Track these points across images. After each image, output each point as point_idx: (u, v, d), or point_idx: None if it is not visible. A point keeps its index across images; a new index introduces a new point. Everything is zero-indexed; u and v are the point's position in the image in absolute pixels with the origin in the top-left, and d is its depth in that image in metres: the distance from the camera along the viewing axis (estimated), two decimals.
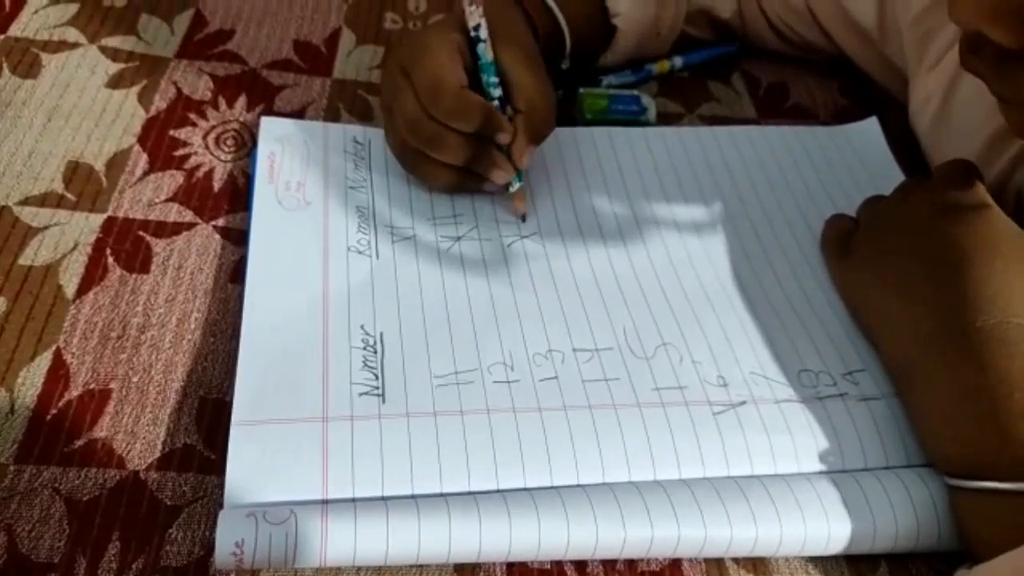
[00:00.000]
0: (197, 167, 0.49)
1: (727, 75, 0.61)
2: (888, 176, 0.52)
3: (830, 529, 0.35)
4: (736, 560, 0.36)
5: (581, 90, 0.56)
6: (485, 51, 0.45)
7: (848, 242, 0.45)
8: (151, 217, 0.46)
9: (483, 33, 0.45)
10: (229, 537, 0.32)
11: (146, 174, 0.48)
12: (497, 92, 0.46)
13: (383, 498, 0.34)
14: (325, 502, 0.34)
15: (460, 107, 0.43)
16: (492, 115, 0.44)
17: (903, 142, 0.54)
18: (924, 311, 0.38)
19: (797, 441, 0.38)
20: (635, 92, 0.56)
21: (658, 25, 0.57)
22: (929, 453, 0.38)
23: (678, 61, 0.60)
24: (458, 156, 0.45)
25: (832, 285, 0.45)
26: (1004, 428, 0.34)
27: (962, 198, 0.40)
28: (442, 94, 0.43)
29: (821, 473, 0.37)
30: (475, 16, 0.45)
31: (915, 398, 0.38)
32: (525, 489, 0.35)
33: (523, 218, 0.48)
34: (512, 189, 0.47)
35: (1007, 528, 0.33)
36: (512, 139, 0.45)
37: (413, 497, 0.35)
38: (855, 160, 0.53)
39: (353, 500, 0.34)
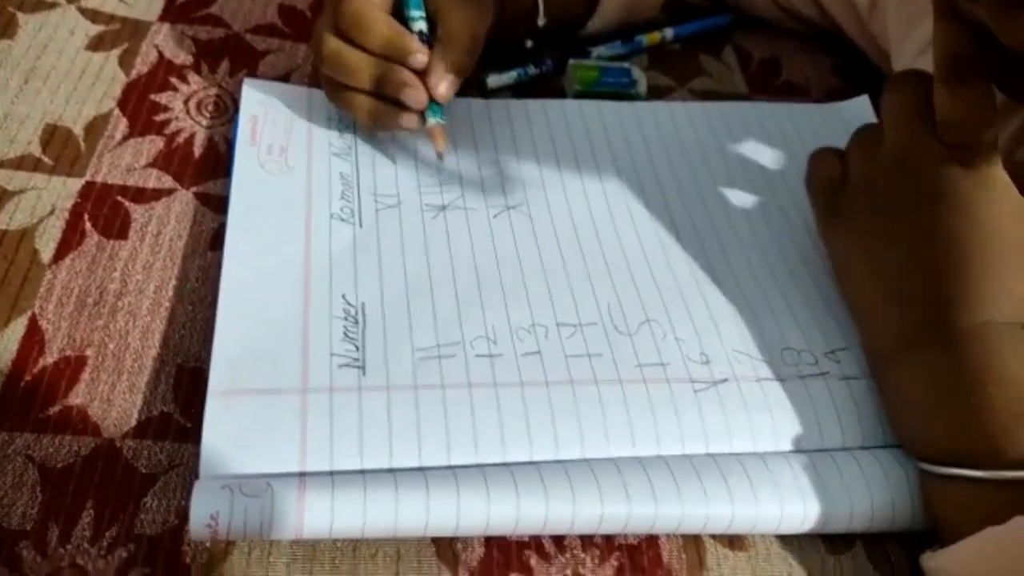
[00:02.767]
0: (178, 132, 0.48)
1: (719, 49, 0.61)
2: None
3: (806, 508, 0.35)
4: (713, 535, 0.36)
5: (571, 61, 0.55)
6: None
7: (837, 197, 0.42)
8: (130, 183, 0.45)
9: None
10: (204, 509, 0.31)
11: (126, 139, 0.47)
12: (419, 26, 0.44)
13: (362, 471, 0.34)
14: (303, 474, 0.34)
15: (361, 19, 0.42)
16: (399, 34, 0.42)
17: None
18: (911, 302, 0.37)
19: (776, 420, 0.38)
20: (626, 64, 0.56)
21: None
22: (901, 436, 0.38)
23: (669, 33, 0.59)
24: (362, 78, 0.43)
25: (819, 259, 0.45)
26: (976, 420, 0.34)
27: (970, 174, 0.36)
28: (344, 4, 0.42)
29: (799, 452, 0.37)
30: None
31: (891, 383, 0.38)
32: (504, 464, 0.35)
33: (440, 156, 0.46)
34: (428, 123, 0.44)
35: (973, 514, 0.33)
36: (429, 65, 0.43)
37: (392, 471, 0.34)
38: (846, 138, 0.52)
39: (331, 473, 0.34)
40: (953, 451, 0.34)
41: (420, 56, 0.43)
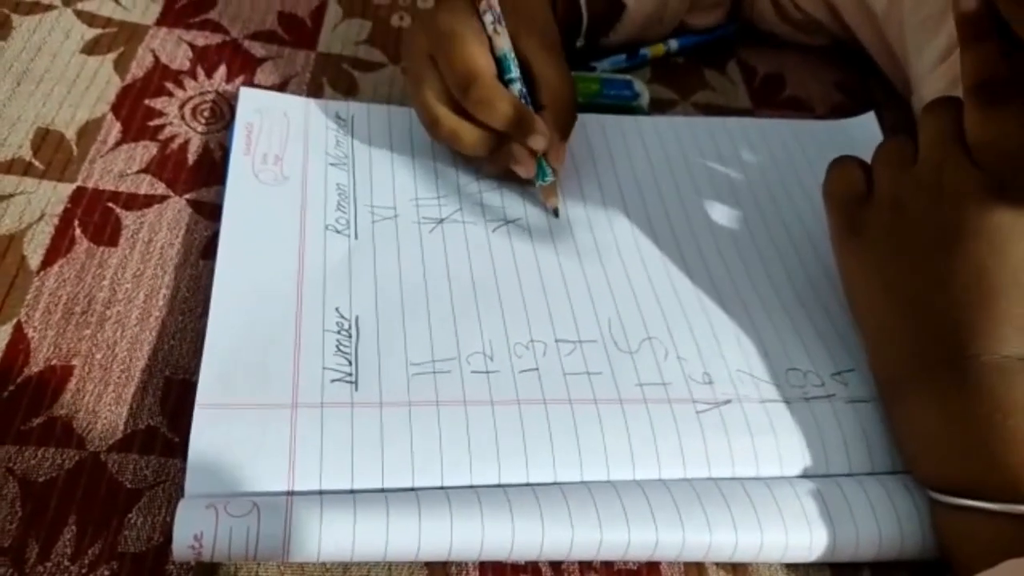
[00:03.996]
0: (172, 138, 0.47)
1: (723, 63, 0.60)
2: None
3: (812, 537, 0.34)
4: (716, 563, 0.35)
5: (572, 74, 0.54)
6: (502, 41, 0.43)
7: (859, 212, 0.40)
8: (122, 188, 0.44)
9: (497, 26, 0.43)
10: (187, 529, 0.30)
11: (118, 144, 0.46)
12: (519, 87, 0.44)
13: (352, 491, 0.33)
14: (290, 494, 0.33)
15: (490, 102, 0.42)
16: (526, 115, 0.42)
17: None
18: (927, 328, 0.36)
19: (781, 443, 0.37)
20: (628, 77, 0.55)
21: (662, 10, 0.56)
22: (911, 465, 0.36)
23: (673, 44, 0.59)
24: (478, 150, 0.44)
25: (825, 277, 0.44)
26: (994, 452, 0.33)
27: (1005, 204, 0.35)
28: (474, 83, 0.42)
29: (804, 477, 0.36)
30: (487, 10, 0.43)
31: (901, 411, 0.37)
32: (499, 486, 0.34)
33: (555, 213, 0.46)
34: (544, 182, 0.45)
35: (986, 546, 0.32)
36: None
37: (383, 491, 0.33)
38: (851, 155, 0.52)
39: (320, 493, 0.33)
40: (967, 483, 0.33)
41: (541, 139, 0.43)
